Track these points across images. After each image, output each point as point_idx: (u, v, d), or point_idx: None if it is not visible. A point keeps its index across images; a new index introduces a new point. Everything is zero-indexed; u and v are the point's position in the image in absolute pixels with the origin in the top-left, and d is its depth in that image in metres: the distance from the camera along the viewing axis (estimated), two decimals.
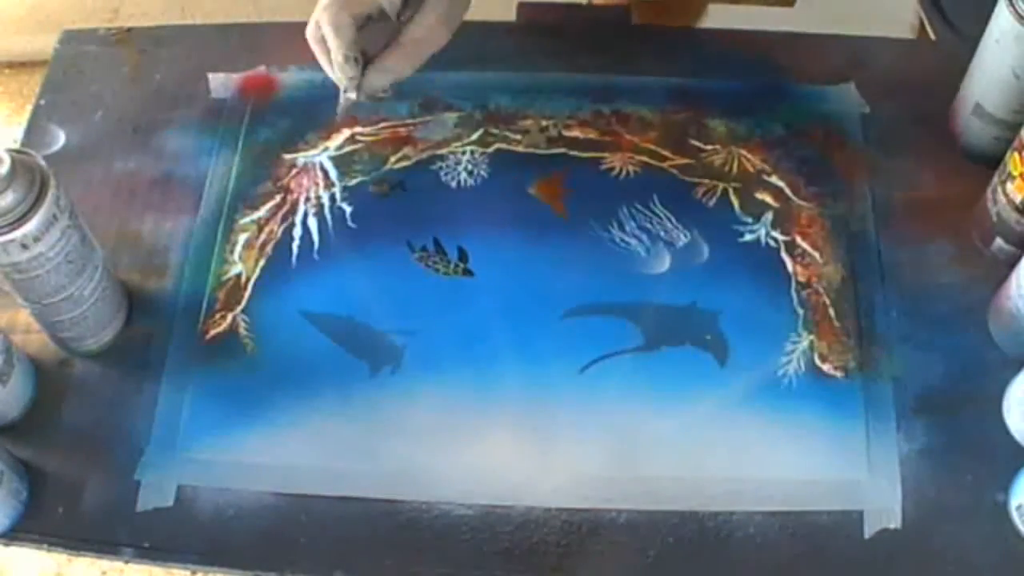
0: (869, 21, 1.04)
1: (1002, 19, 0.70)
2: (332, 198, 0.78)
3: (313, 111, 0.81)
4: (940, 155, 0.79)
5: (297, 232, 0.76)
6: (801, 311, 0.72)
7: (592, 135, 0.80)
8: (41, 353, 0.72)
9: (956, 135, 0.78)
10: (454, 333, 0.72)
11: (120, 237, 0.77)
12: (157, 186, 0.79)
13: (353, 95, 0.70)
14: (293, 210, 0.77)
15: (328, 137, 0.81)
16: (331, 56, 0.69)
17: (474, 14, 0.78)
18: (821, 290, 0.73)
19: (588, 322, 0.73)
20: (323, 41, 0.69)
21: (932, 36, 1.01)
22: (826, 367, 0.70)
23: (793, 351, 0.71)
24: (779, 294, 0.73)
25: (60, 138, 0.81)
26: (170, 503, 0.67)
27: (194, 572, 0.85)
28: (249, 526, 0.66)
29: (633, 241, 0.76)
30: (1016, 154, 0.68)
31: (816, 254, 0.75)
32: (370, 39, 0.70)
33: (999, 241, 0.73)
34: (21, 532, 0.66)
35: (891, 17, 1.11)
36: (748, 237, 0.76)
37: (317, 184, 0.79)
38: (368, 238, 0.76)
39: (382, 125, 0.81)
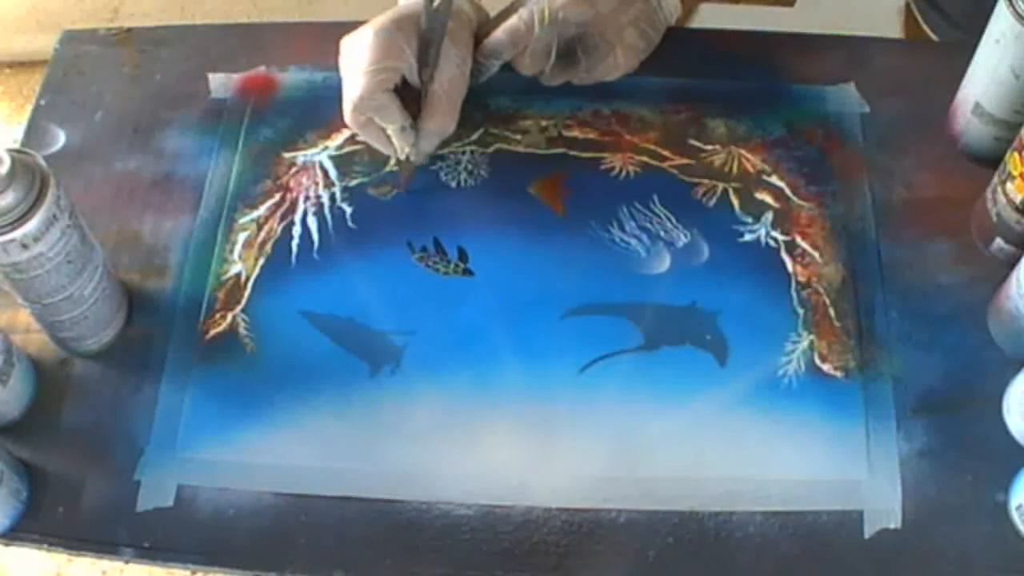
0: (869, 21, 1.05)
1: (1002, 19, 0.70)
2: (332, 198, 0.78)
3: (313, 111, 0.81)
4: (940, 155, 0.79)
5: (296, 231, 0.77)
6: (801, 311, 0.72)
7: (592, 135, 0.80)
8: (41, 353, 0.72)
9: (956, 135, 0.78)
10: (454, 333, 0.72)
11: (120, 237, 0.77)
12: (157, 186, 0.79)
13: (415, 157, 0.76)
14: (293, 208, 0.78)
15: (328, 136, 0.81)
16: (385, 132, 0.74)
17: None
18: (821, 290, 0.73)
19: (588, 322, 0.73)
20: (368, 124, 0.74)
21: (932, 36, 1.01)
22: (826, 367, 0.70)
23: (793, 351, 0.71)
24: (779, 294, 0.73)
25: (60, 138, 0.81)
26: (170, 503, 0.67)
27: (194, 572, 0.85)
28: (249, 526, 0.66)
29: (633, 241, 0.76)
30: (1016, 154, 0.68)
31: (816, 254, 0.75)
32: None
33: (999, 241, 0.73)
34: (21, 532, 0.66)
35: (890, 17, 1.11)
36: (748, 237, 0.76)
37: (317, 183, 0.79)
38: (368, 238, 0.76)
39: None
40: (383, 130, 0.74)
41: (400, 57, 0.72)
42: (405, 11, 0.74)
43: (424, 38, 0.73)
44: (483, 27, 0.77)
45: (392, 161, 0.79)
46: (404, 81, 0.73)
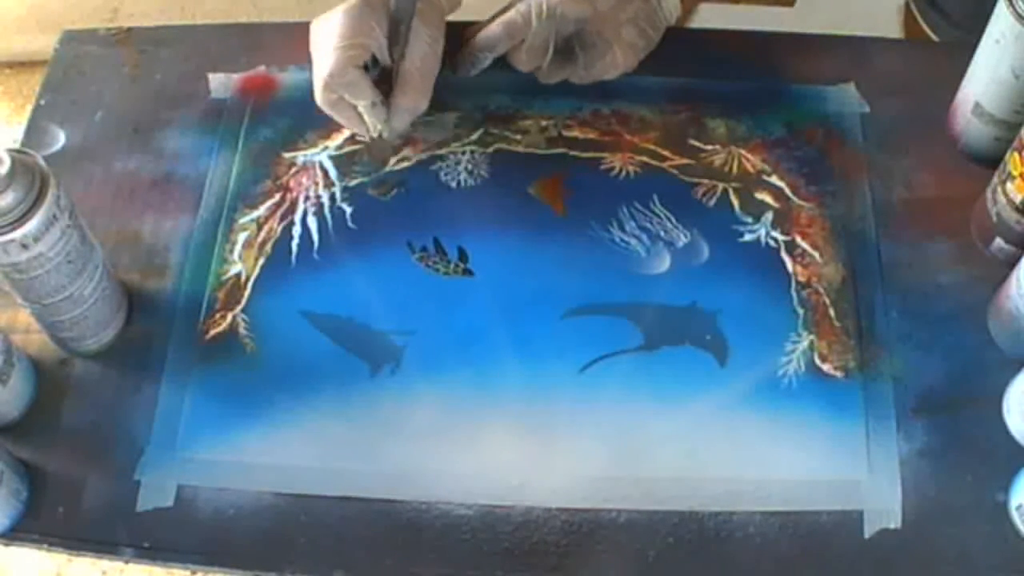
0: (869, 21, 1.05)
1: (1002, 19, 0.70)
2: (332, 198, 0.78)
3: (313, 110, 0.80)
4: (940, 155, 0.79)
5: (296, 231, 0.77)
6: (801, 311, 0.72)
7: (592, 135, 0.80)
8: (41, 353, 0.72)
9: (956, 135, 0.78)
10: (454, 333, 0.72)
11: (120, 237, 0.77)
12: (157, 186, 0.79)
13: (387, 135, 0.75)
14: (292, 208, 0.78)
15: (328, 136, 0.81)
16: (356, 111, 0.73)
17: (474, 15, 0.78)
18: (821, 290, 0.73)
19: (588, 322, 0.73)
20: (339, 102, 0.73)
21: (932, 35, 1.02)
22: (826, 367, 0.70)
23: (793, 351, 0.71)
24: (779, 294, 0.73)
25: (60, 138, 0.81)
26: (170, 503, 0.67)
27: (194, 572, 0.85)
28: (249, 526, 0.66)
29: (633, 241, 0.76)
30: (1016, 154, 0.68)
31: (816, 254, 0.75)
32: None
33: (999, 241, 0.73)
34: (21, 532, 0.66)
35: (890, 17, 1.11)
36: (748, 237, 0.76)
37: (317, 183, 0.79)
38: (368, 238, 0.76)
39: None
40: (354, 108, 0.74)
41: (369, 35, 0.72)
42: None
43: (394, 18, 0.73)
44: (476, 24, 0.77)
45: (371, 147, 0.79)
46: (375, 62, 0.73)
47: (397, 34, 0.73)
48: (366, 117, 0.74)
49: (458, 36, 0.78)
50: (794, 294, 0.73)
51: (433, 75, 0.75)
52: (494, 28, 0.75)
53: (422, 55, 0.73)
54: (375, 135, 0.76)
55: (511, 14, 0.75)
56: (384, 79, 0.74)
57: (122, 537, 0.66)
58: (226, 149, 0.81)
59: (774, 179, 0.78)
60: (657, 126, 0.81)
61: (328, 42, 0.72)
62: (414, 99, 0.74)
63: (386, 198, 0.78)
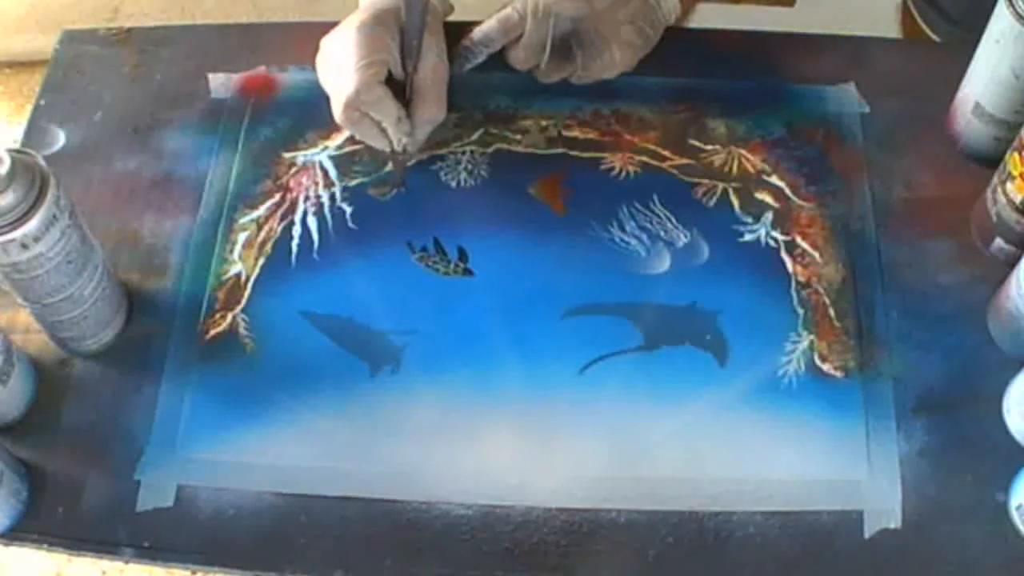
0: (868, 20, 1.05)
1: (1002, 19, 0.70)
2: (332, 198, 0.78)
3: (313, 110, 0.81)
4: (940, 155, 0.79)
5: (296, 231, 0.77)
6: (801, 311, 0.72)
7: (592, 135, 0.80)
8: (41, 353, 0.72)
9: (956, 135, 0.78)
10: (454, 333, 0.72)
11: (120, 237, 0.77)
12: (157, 186, 0.79)
13: (412, 148, 0.77)
14: (292, 209, 0.78)
15: (328, 136, 0.81)
16: (378, 127, 0.74)
17: (474, 15, 0.79)
18: (821, 290, 0.73)
19: (588, 322, 0.73)
20: (363, 120, 0.73)
21: (930, 33, 1.02)
22: (826, 367, 0.70)
23: (793, 351, 0.71)
24: (779, 294, 0.73)
25: (60, 138, 0.81)
26: (170, 503, 0.67)
27: (194, 572, 0.85)
28: (249, 526, 0.66)
29: (633, 241, 0.76)
30: (1016, 154, 0.68)
31: (816, 254, 0.75)
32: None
33: (999, 241, 0.73)
34: (21, 532, 0.66)
35: (889, 15, 1.11)
36: (748, 237, 0.76)
37: (317, 183, 0.79)
38: (368, 238, 0.76)
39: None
40: (376, 124, 0.74)
41: (386, 50, 0.73)
42: (382, 6, 0.74)
43: (404, 31, 0.73)
44: (474, 24, 0.77)
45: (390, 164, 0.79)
46: (388, 76, 0.73)
47: (409, 47, 0.73)
48: (391, 132, 0.75)
49: (455, 35, 0.78)
50: (794, 294, 0.73)
51: (446, 83, 0.76)
52: (491, 23, 0.76)
53: (433, 65, 0.74)
54: (399, 149, 0.76)
55: (507, 11, 0.76)
56: (395, 91, 0.74)
57: (122, 537, 0.66)
58: (226, 149, 0.81)
59: (774, 179, 0.78)
60: (657, 126, 0.81)
61: (346, 61, 0.72)
62: (435, 110, 0.75)
63: (386, 198, 0.78)
